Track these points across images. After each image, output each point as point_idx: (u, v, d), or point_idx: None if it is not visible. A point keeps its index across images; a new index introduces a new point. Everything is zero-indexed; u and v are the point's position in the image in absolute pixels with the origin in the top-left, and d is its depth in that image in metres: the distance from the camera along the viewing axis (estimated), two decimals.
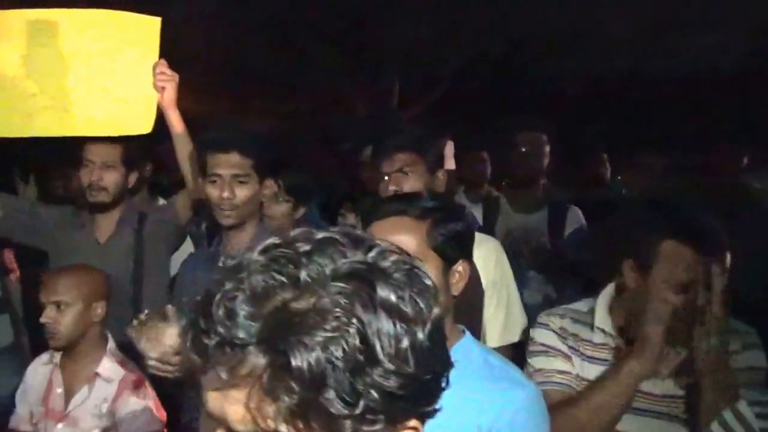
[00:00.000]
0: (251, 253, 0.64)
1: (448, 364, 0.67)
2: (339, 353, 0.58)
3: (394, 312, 0.62)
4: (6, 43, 2.30)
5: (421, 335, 0.63)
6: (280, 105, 6.47)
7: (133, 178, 2.53)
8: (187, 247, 2.77)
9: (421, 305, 0.64)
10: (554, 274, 3.01)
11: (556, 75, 6.56)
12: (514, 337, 2.13)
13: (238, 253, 0.66)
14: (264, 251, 0.64)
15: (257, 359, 0.59)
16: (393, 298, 0.62)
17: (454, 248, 1.30)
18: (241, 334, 0.59)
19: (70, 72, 2.31)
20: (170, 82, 2.30)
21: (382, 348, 0.60)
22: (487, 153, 4.07)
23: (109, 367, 2.12)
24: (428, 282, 0.67)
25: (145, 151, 2.64)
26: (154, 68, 2.30)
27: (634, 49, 6.22)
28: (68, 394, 2.11)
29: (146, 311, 1.82)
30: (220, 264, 0.66)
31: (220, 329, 0.60)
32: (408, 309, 0.63)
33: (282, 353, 0.58)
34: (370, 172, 2.77)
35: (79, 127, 2.34)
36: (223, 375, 0.60)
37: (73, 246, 2.48)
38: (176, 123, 2.34)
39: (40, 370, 2.18)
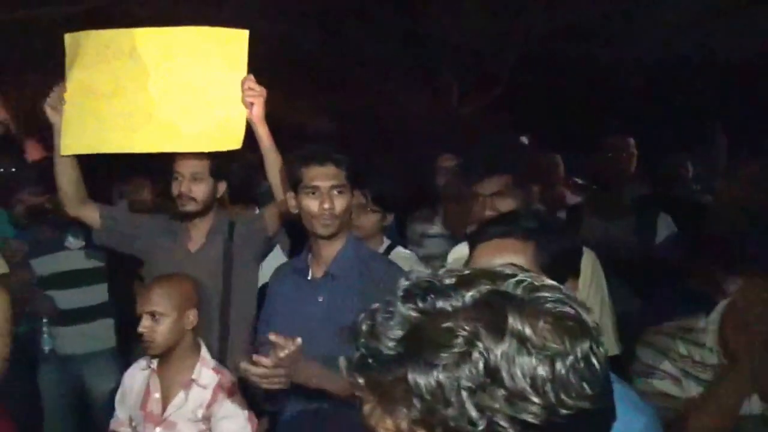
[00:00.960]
0: (401, 281, 0.69)
1: (601, 400, 0.65)
2: (462, 373, 0.61)
3: (526, 340, 0.62)
4: (102, 62, 2.38)
5: (560, 366, 0.62)
6: (334, 103, 6.43)
7: (221, 188, 2.59)
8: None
9: (562, 336, 0.63)
10: (642, 284, 2.91)
11: (615, 65, 6.25)
12: (612, 351, 2.06)
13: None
14: (408, 278, 0.69)
15: (389, 374, 0.64)
16: (526, 327, 0.62)
17: (563, 267, 1.26)
18: (382, 350, 0.65)
19: (163, 89, 2.38)
20: (259, 97, 2.34)
21: (512, 375, 0.61)
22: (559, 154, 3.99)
23: (204, 373, 2.18)
24: (574, 313, 0.65)
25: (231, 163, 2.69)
26: (243, 84, 2.34)
27: (698, 34, 5.78)
28: (165, 399, 2.18)
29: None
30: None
31: (365, 343, 0.67)
32: (544, 339, 0.62)
33: (409, 369, 0.62)
34: (458, 186, 2.75)
35: (171, 144, 2.41)
36: (364, 386, 0.66)
37: (166, 255, 2.55)
38: (265, 137, 2.38)
39: (138, 375, 2.27)
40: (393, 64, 6.11)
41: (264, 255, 2.65)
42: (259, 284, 2.63)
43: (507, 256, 1.21)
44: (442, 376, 0.61)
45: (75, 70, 2.39)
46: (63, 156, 2.42)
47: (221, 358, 2.43)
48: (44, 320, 3.11)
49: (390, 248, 2.99)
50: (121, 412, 2.30)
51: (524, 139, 4.35)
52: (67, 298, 3.16)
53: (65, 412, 3.27)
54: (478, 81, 6.66)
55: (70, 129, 2.38)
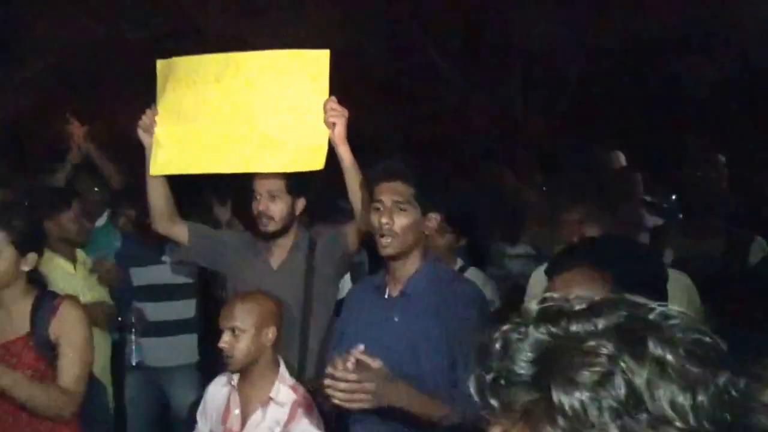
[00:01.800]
0: (530, 305, 0.69)
1: (740, 430, 0.64)
2: (605, 394, 0.60)
3: (667, 366, 0.62)
4: (190, 87, 2.47)
5: (702, 395, 0.62)
6: (400, 114, 6.40)
7: (300, 205, 2.61)
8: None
9: (701, 365, 0.63)
10: (730, 309, 2.76)
11: (684, 75, 5.97)
12: None
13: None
14: (539, 302, 0.69)
15: (526, 395, 0.63)
16: (666, 353, 0.62)
17: (645, 294, 1.21)
18: (516, 370, 0.64)
19: (247, 112, 2.44)
20: (340, 117, 2.36)
21: (655, 399, 0.60)
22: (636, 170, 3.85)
23: (282, 391, 2.19)
24: (711, 342, 0.66)
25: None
26: (325, 105, 2.37)
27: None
28: (245, 416, 2.20)
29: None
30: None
31: (498, 365, 0.65)
32: (684, 367, 0.62)
33: (549, 390, 0.62)
34: (544, 210, 2.69)
35: (255, 164, 2.47)
36: (497, 408, 0.65)
37: (250, 271, 2.60)
38: (347, 157, 2.40)
39: (219, 390, 2.30)
40: (460, 76, 6.05)
41: (343, 272, 2.67)
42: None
43: (585, 286, 1.18)
44: (585, 396, 0.61)
45: (165, 95, 2.50)
46: (153, 176, 2.52)
47: (301, 375, 2.45)
48: (133, 331, 3.23)
49: (462, 269, 2.96)
50: (202, 426, 2.34)
51: (620, 155, 4.19)
52: (157, 310, 3.29)
53: (148, 422, 3.38)
54: (545, 91, 6.52)
55: (160, 151, 2.48)
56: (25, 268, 2.16)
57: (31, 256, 2.17)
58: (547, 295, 0.70)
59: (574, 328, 0.65)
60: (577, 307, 0.67)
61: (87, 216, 3.60)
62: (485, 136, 5.87)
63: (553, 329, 0.65)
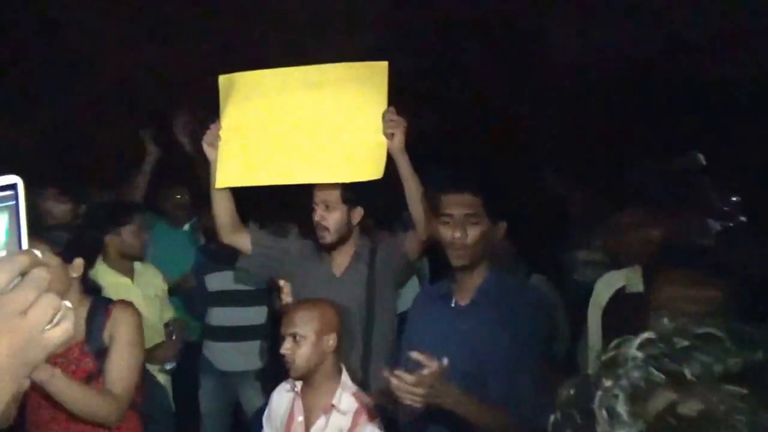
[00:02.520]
0: (627, 347, 0.63)
1: None
2: None
3: None
4: (252, 101, 2.53)
5: None
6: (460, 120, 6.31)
7: (356, 215, 2.62)
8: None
9: None
10: None
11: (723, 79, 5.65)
12: None
13: (613, 346, 0.65)
14: (641, 347, 0.62)
15: None
16: None
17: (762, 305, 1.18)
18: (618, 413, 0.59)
19: (307, 124, 2.48)
20: (399, 128, 2.38)
21: None
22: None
23: (344, 399, 2.20)
24: None
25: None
26: (384, 115, 2.39)
27: None
28: (308, 423, 2.22)
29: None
30: (600, 358, 0.64)
31: (601, 429, 0.60)
32: None
33: None
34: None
35: (316, 175, 2.51)
36: None
37: (312, 279, 2.64)
38: (405, 167, 2.41)
39: (283, 397, 2.33)
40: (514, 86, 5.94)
41: (405, 280, 2.68)
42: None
43: (701, 290, 1.15)
44: None
45: (228, 109, 2.56)
46: (218, 189, 2.60)
47: (364, 382, 2.46)
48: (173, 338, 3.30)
49: (526, 275, 2.93)
50: (268, 431, 2.39)
51: (700, 157, 4.02)
52: (229, 315, 3.38)
53: (220, 424, 3.46)
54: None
55: (224, 164, 2.55)
56: (74, 274, 2.22)
57: (77, 262, 2.22)
58: (644, 336, 0.64)
59: (687, 373, 0.59)
60: (680, 345, 0.61)
61: (174, 222, 3.78)
62: (548, 141, 5.76)
63: (660, 375, 0.59)
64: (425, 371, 1.77)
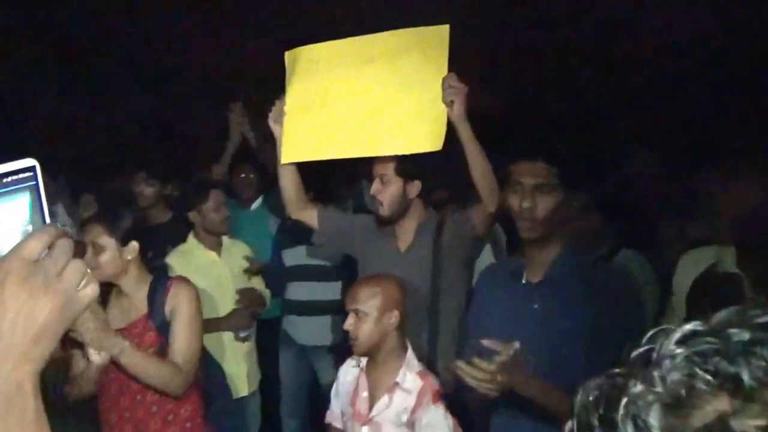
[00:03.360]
0: (665, 340, 0.49)
1: None
2: None
3: None
4: (315, 74, 2.49)
5: None
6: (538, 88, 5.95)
7: (414, 188, 2.53)
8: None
9: None
10: None
11: None
12: None
13: (645, 342, 0.51)
14: (683, 341, 0.49)
15: None
16: None
17: None
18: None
19: (367, 95, 2.41)
20: (460, 94, 2.25)
21: None
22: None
23: (408, 377, 2.14)
24: None
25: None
26: (444, 81, 2.27)
27: None
28: (372, 399, 2.18)
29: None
30: (631, 355, 0.52)
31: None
32: None
33: None
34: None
35: (376, 148, 2.42)
36: None
37: (377, 254, 2.58)
38: (467, 136, 2.29)
39: (350, 372, 2.31)
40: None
41: (475, 255, 2.55)
42: None
43: None
44: None
45: (292, 84, 2.54)
46: (284, 164, 2.58)
47: (430, 360, 2.38)
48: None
49: (614, 251, 2.72)
50: (335, 406, 2.36)
51: None
52: (305, 290, 3.42)
53: (299, 395, 3.52)
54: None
55: (289, 139, 2.53)
56: (129, 256, 2.29)
57: (133, 245, 2.30)
58: (688, 327, 0.51)
59: (745, 376, 0.46)
60: (737, 339, 0.48)
61: (244, 202, 3.87)
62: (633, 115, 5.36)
63: (709, 377, 0.47)
64: (499, 358, 1.67)
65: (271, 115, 2.54)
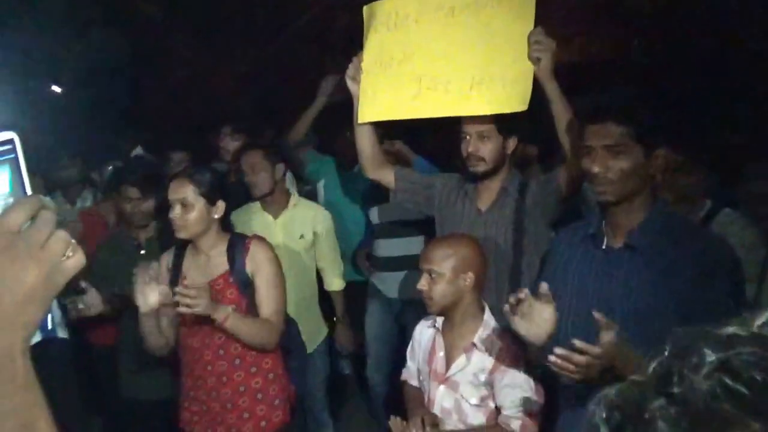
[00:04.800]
0: (699, 345, 0.42)
1: None
2: None
3: None
4: (391, 30, 2.42)
5: None
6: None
7: (511, 145, 2.46)
8: None
9: None
10: None
11: None
12: None
13: (679, 336, 0.44)
14: (719, 347, 0.41)
15: None
16: None
17: None
18: None
19: (448, 51, 2.32)
20: (546, 51, 2.14)
21: None
22: None
23: (485, 338, 2.12)
24: None
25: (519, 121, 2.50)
26: (530, 37, 2.16)
27: None
28: (449, 359, 2.18)
29: (525, 291, 1.73)
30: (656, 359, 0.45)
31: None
32: None
33: None
34: None
35: (458, 107, 2.34)
36: None
37: (457, 214, 2.54)
38: (554, 94, 2.18)
39: (426, 331, 2.31)
40: None
41: (557, 217, 2.46)
42: None
43: None
44: None
45: (369, 41, 2.48)
46: (361, 123, 2.55)
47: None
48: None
49: (713, 211, 2.53)
50: (411, 364, 2.38)
51: None
52: (390, 246, 3.47)
53: (384, 348, 3.57)
54: None
55: (366, 98, 2.49)
56: (216, 215, 2.36)
57: (220, 204, 2.36)
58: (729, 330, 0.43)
59: None
60: None
61: (347, 164, 3.85)
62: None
63: (744, 391, 0.39)
64: (603, 338, 1.54)
65: (348, 73, 2.51)
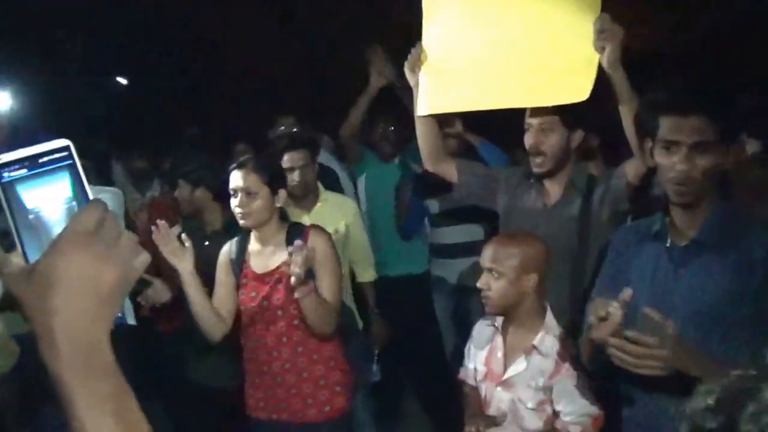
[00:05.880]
0: None
1: None
2: None
3: None
4: (453, 18, 2.33)
5: None
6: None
7: (576, 139, 2.35)
8: None
9: None
10: None
11: None
12: None
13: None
14: None
15: None
16: None
17: None
18: None
19: (509, 39, 2.23)
20: (612, 39, 2.02)
21: None
22: None
23: (546, 341, 2.05)
24: None
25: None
26: (595, 24, 2.04)
27: None
28: (507, 360, 2.12)
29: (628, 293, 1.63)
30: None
31: None
32: None
33: None
34: None
35: (520, 99, 2.25)
36: None
37: (521, 209, 2.45)
38: (621, 85, 2.06)
39: (485, 330, 2.25)
40: None
41: (625, 214, 2.35)
42: None
43: None
44: None
45: (430, 30, 2.38)
46: (421, 116, 2.47)
47: (573, 325, 2.25)
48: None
49: None
50: (468, 363, 2.32)
51: None
52: (449, 234, 3.47)
53: (457, 337, 3.53)
54: None
55: (426, 89, 2.40)
56: (278, 204, 2.42)
57: (282, 193, 2.43)
58: None
59: None
60: None
61: (386, 156, 3.85)
62: None
63: None
64: (665, 330, 1.50)
65: (407, 64, 2.42)
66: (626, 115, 2.09)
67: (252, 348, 2.48)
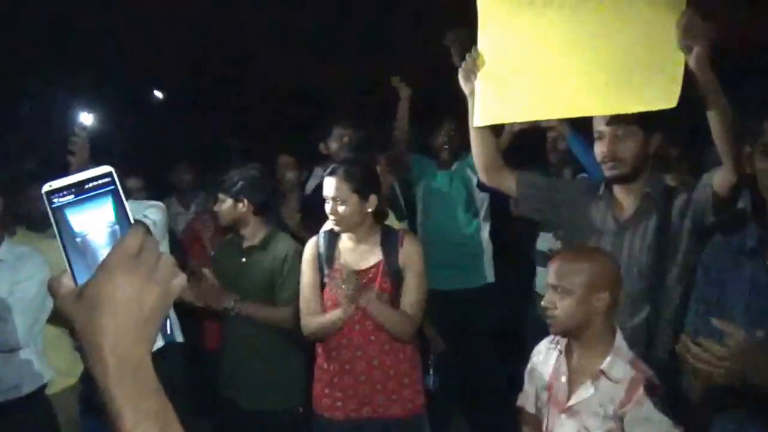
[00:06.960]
0: None
1: None
2: None
3: None
4: (511, 19, 2.13)
5: None
6: None
7: (654, 143, 2.17)
8: None
9: None
10: None
11: None
12: None
13: None
14: None
15: None
16: None
17: None
18: None
19: (579, 42, 2.03)
20: (701, 38, 1.82)
21: None
22: None
23: (616, 366, 1.88)
24: None
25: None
26: (680, 22, 1.85)
27: None
28: (572, 386, 1.95)
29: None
30: None
31: None
32: None
33: None
34: None
35: (595, 107, 2.07)
36: None
37: (589, 223, 2.26)
38: (710, 89, 1.86)
39: (547, 352, 2.09)
40: None
41: (708, 229, 2.15)
42: None
43: None
44: None
45: (487, 33, 2.18)
46: (477, 127, 2.30)
47: (648, 349, 2.07)
48: None
49: None
50: (528, 387, 2.15)
51: None
52: (547, 241, 3.38)
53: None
54: None
55: (483, 98, 2.21)
56: (369, 209, 2.53)
57: (372, 198, 2.53)
58: None
59: None
60: None
61: (443, 164, 3.80)
62: None
63: None
64: (731, 342, 1.46)
65: (461, 71, 2.23)
66: (716, 121, 1.88)
67: (334, 347, 2.54)
